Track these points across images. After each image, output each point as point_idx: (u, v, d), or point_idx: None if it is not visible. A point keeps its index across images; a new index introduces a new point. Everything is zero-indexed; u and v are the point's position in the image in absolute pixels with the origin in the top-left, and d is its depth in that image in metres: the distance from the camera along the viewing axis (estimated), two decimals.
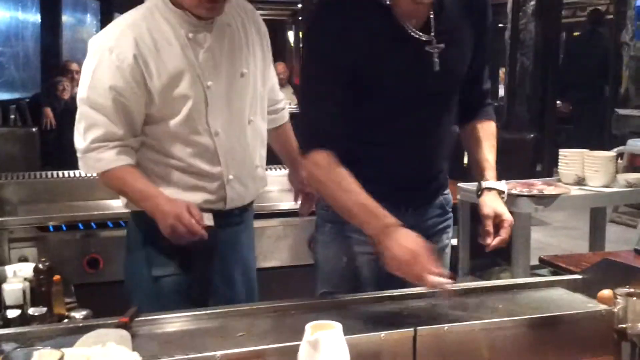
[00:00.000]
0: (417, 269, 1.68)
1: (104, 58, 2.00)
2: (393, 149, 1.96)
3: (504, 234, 1.90)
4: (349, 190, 1.82)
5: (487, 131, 2.11)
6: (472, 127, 2.11)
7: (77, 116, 2.05)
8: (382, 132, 1.94)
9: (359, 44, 1.85)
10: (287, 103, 2.53)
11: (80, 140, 2.04)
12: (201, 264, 2.11)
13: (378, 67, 1.88)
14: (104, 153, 2.02)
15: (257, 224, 3.03)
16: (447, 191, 2.16)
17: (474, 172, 2.10)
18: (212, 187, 2.13)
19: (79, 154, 2.06)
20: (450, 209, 2.16)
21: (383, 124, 1.93)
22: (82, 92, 2.06)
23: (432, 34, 1.88)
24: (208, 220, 2.07)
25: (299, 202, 2.45)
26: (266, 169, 2.33)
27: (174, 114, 2.05)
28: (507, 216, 1.94)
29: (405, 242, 1.71)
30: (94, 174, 2.11)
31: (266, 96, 2.28)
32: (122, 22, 2.07)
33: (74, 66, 7.16)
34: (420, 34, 1.88)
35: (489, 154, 2.07)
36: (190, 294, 2.10)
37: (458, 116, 2.09)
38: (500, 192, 2.01)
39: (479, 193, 2.00)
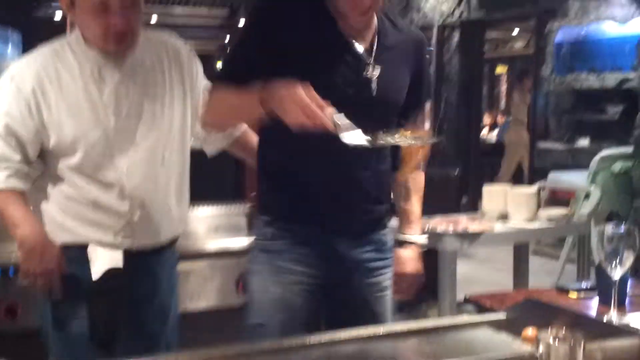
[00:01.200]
0: (302, 103, 1.65)
1: (4, 85, 2.08)
2: (319, 163, 1.95)
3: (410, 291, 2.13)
4: (228, 94, 1.87)
5: (417, 184, 2.17)
6: (403, 177, 2.14)
7: None
8: (304, 143, 1.82)
9: (297, 35, 1.87)
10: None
11: None
12: (104, 307, 2.11)
13: (309, 66, 1.85)
14: None
15: (183, 266, 3.01)
16: (385, 232, 2.14)
17: (399, 220, 2.13)
18: (117, 225, 2.12)
19: None
20: (388, 252, 2.15)
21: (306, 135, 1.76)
22: None
23: (373, 57, 1.92)
24: (115, 262, 2.07)
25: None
26: (191, 207, 2.33)
27: (74, 149, 2.07)
28: (418, 278, 2.14)
29: (280, 85, 1.70)
30: None
31: (190, 130, 2.25)
32: (32, 54, 2.13)
33: None
34: (362, 51, 1.91)
35: (416, 207, 2.13)
36: (94, 339, 2.09)
37: (391, 159, 2.10)
38: (420, 247, 2.08)
39: (400, 244, 2.05)
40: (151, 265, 2.21)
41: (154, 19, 9.96)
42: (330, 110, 1.68)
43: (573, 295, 2.51)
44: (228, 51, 2.25)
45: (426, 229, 3.29)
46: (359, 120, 1.75)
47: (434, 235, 3.24)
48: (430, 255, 3.35)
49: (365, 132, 1.74)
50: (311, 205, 1.95)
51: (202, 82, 2.29)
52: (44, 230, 2.09)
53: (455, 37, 9.87)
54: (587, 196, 5.08)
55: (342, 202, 2.00)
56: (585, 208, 4.38)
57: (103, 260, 2.10)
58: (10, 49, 12.38)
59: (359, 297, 2.06)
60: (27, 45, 12.37)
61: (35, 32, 12.23)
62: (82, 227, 2.10)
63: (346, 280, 2.04)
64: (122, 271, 2.13)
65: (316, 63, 1.87)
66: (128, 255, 2.13)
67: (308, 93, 1.67)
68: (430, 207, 4.20)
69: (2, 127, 2.05)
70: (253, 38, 1.92)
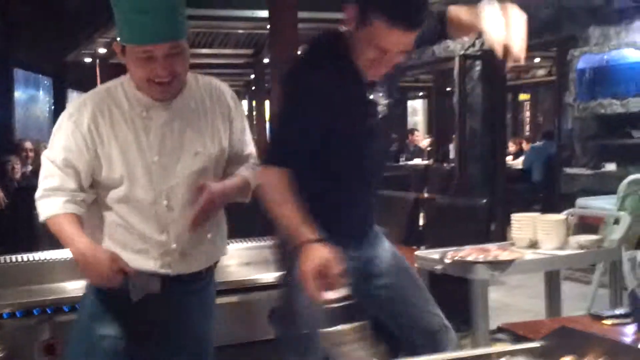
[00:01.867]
0: (313, 282, 1.99)
1: (63, 123, 2.26)
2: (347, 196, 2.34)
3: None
4: (287, 202, 2.12)
5: None
6: None
7: (41, 168, 2.28)
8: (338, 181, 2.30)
9: (332, 105, 2.16)
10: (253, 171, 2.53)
11: (39, 188, 2.25)
12: (141, 329, 2.23)
13: (346, 125, 2.22)
14: (52, 201, 2.20)
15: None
16: None
17: None
18: (156, 253, 2.26)
19: (36, 202, 2.25)
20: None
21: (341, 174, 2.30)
22: (47, 148, 2.29)
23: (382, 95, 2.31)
24: (153, 285, 2.22)
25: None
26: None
27: (121, 182, 2.23)
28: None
29: (312, 256, 2.02)
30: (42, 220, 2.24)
31: (224, 169, 2.39)
32: (89, 94, 2.31)
33: (28, 144, 7.08)
34: (380, 96, 2.30)
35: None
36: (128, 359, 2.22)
37: None
38: None
39: None
40: (186, 289, 2.33)
41: None
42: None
43: (607, 322, 2.51)
44: (276, 133, 2.41)
45: (456, 259, 3.31)
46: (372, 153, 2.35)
47: (464, 265, 3.25)
48: (462, 285, 3.36)
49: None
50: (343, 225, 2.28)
51: (241, 124, 2.44)
52: (94, 243, 2.20)
53: (477, 66, 9.92)
54: (616, 221, 5.05)
55: (367, 223, 2.47)
56: (616, 233, 4.35)
57: (143, 285, 2.22)
58: (41, 93, 12.63)
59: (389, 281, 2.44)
60: (57, 89, 12.62)
61: (65, 77, 12.48)
62: (125, 254, 2.22)
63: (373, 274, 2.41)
64: (159, 296, 2.26)
65: (353, 119, 2.25)
66: (166, 280, 2.27)
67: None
68: (459, 236, 4.23)
69: (61, 160, 2.22)
70: (302, 120, 2.19)
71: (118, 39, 2.23)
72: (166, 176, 2.25)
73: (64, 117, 2.29)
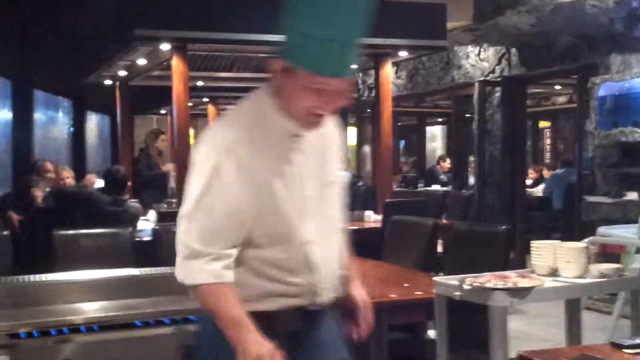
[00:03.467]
0: None
1: (220, 160, 1.99)
2: None
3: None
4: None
5: None
6: None
7: (188, 217, 2.01)
8: None
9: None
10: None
11: (184, 243, 2.01)
12: None
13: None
14: (209, 265, 1.98)
15: None
16: None
17: None
18: (302, 293, 2.12)
19: (181, 259, 2.01)
20: None
21: None
22: (197, 195, 2.01)
23: None
24: (293, 323, 2.14)
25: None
26: None
27: (272, 217, 2.05)
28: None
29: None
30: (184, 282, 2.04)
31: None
32: (232, 121, 2.11)
33: (49, 165, 7.13)
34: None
35: None
36: None
37: None
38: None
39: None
40: (324, 323, 2.24)
41: (200, 82, 10.20)
42: None
43: (629, 351, 2.47)
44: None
45: (475, 285, 3.28)
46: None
47: (483, 291, 3.22)
48: (480, 312, 3.32)
49: None
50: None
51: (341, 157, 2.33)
52: (259, 336, 1.98)
53: (497, 92, 9.91)
54: (638, 250, 5.00)
55: None
56: (638, 262, 4.30)
57: (286, 322, 2.12)
58: (61, 115, 12.77)
59: None
60: (76, 111, 12.74)
61: (84, 99, 12.61)
62: (272, 297, 2.09)
63: None
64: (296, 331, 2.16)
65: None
66: (305, 314, 2.17)
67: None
68: (478, 263, 4.19)
69: (223, 212, 1.99)
70: None
71: (284, 59, 2.01)
72: (308, 210, 2.11)
73: (209, 151, 2.02)
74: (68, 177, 7.17)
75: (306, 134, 2.10)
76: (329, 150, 2.20)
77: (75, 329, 2.94)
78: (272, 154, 2.05)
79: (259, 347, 1.95)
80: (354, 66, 2.08)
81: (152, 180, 8.66)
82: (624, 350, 2.49)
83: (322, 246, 2.14)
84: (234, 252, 2.02)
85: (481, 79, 9.94)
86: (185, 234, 2.01)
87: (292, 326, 2.12)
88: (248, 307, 2.02)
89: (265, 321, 2.04)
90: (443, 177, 12.65)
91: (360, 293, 2.33)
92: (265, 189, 2.03)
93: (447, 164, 12.93)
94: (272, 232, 2.06)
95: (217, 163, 1.99)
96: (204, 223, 2.00)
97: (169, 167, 8.84)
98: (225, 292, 2.00)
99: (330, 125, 2.22)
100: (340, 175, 2.25)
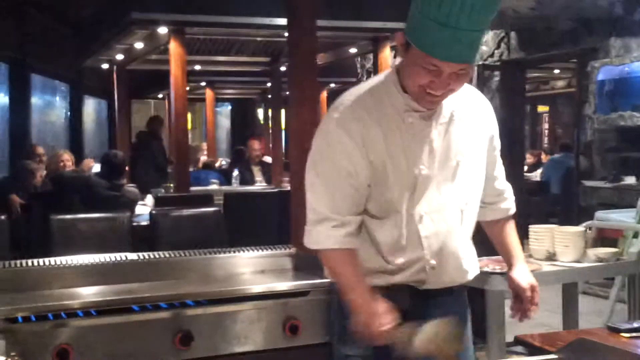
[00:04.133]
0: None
1: (329, 130, 2.08)
2: None
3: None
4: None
5: None
6: None
7: (311, 184, 2.11)
8: None
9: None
10: (511, 198, 2.46)
11: (312, 211, 2.10)
12: (388, 348, 2.04)
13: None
14: (334, 231, 2.06)
15: (229, 307, 3.04)
16: None
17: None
18: (410, 271, 2.13)
19: (308, 224, 2.11)
20: None
21: None
22: (315, 163, 2.11)
23: None
24: (402, 300, 2.10)
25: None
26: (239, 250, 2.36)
27: (387, 193, 2.08)
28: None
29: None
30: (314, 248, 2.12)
31: (483, 187, 2.26)
32: (350, 95, 2.13)
33: (40, 150, 7.10)
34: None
35: None
36: None
37: None
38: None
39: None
40: (434, 304, 2.18)
41: (197, 67, 10.17)
42: None
43: (625, 335, 2.47)
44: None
45: None
46: None
47: (481, 275, 3.22)
48: (478, 296, 3.32)
49: None
50: None
51: (498, 150, 2.33)
52: (372, 300, 2.04)
53: (496, 76, 9.88)
54: (635, 235, 5.00)
55: None
56: (635, 247, 4.30)
57: (395, 301, 2.09)
58: (58, 99, 12.72)
59: None
60: (73, 95, 12.70)
61: (81, 83, 12.57)
62: (382, 274, 2.13)
63: None
64: (407, 311, 2.11)
65: None
66: (414, 294, 2.16)
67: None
68: (476, 248, 4.17)
69: (340, 176, 2.06)
70: None
71: (405, 34, 2.03)
72: (428, 189, 2.10)
73: (328, 123, 2.10)
74: (68, 159, 7.16)
75: (431, 110, 2.09)
76: (465, 130, 2.16)
77: (72, 313, 2.94)
78: (388, 126, 2.07)
79: (373, 308, 1.99)
80: (475, 53, 2.01)
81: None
82: (621, 334, 2.49)
83: (438, 226, 2.12)
84: (358, 219, 2.09)
85: (480, 62, 9.92)
86: (313, 199, 2.10)
87: (402, 305, 2.08)
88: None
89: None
90: None
91: (522, 274, 2.34)
92: (378, 160, 2.06)
93: None
94: (382, 205, 2.09)
95: (332, 132, 2.07)
96: (326, 186, 2.08)
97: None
98: (346, 258, 2.07)
99: (483, 111, 2.22)
100: (475, 160, 2.19)
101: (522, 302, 2.33)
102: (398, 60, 2.13)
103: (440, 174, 2.12)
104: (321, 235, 2.08)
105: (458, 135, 2.14)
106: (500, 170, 2.36)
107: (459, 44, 1.93)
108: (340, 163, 2.06)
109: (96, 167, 7.48)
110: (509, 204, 2.43)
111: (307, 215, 2.12)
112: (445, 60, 1.94)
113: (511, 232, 2.43)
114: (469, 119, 2.17)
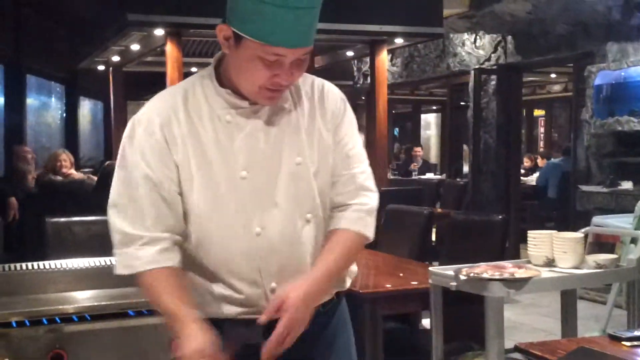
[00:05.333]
0: None
1: (131, 133, 1.80)
2: None
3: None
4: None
5: None
6: None
7: (114, 202, 1.81)
8: None
9: None
10: (370, 205, 1.95)
11: (116, 229, 1.80)
12: None
13: None
14: (142, 250, 1.76)
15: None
16: None
17: None
18: (250, 297, 1.82)
19: (115, 248, 1.81)
20: None
21: None
22: (118, 175, 1.83)
23: None
24: (253, 336, 1.77)
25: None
26: None
27: (200, 204, 1.79)
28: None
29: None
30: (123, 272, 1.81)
31: (330, 190, 1.91)
32: (160, 94, 1.87)
33: (26, 149, 7.08)
34: None
35: None
36: None
37: None
38: None
39: None
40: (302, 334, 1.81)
41: (194, 69, 10.13)
42: None
43: (627, 343, 2.45)
44: None
45: (472, 276, 3.25)
46: None
47: (480, 282, 3.19)
48: (476, 303, 3.30)
49: None
50: None
51: (350, 136, 1.94)
52: (208, 341, 1.71)
53: (493, 80, 9.88)
54: (633, 241, 4.99)
55: None
56: (633, 253, 4.28)
57: (238, 336, 1.81)
58: (53, 100, 12.68)
59: None
60: (69, 96, 12.66)
61: (77, 84, 12.53)
62: (213, 302, 1.83)
63: None
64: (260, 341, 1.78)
65: None
66: (267, 326, 1.76)
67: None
68: (473, 253, 4.17)
69: (142, 182, 1.77)
70: None
71: (230, 24, 1.74)
72: (257, 196, 1.80)
73: (130, 127, 1.82)
74: (66, 159, 7.10)
75: (259, 108, 1.82)
76: (302, 126, 1.86)
77: (67, 318, 2.91)
78: (201, 126, 1.79)
79: (194, 342, 1.69)
80: (314, 34, 1.77)
81: None
82: (622, 342, 2.47)
83: (277, 241, 1.81)
84: (171, 237, 1.78)
85: (477, 66, 9.90)
86: (115, 218, 1.80)
87: (248, 339, 1.79)
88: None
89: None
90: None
91: (284, 297, 1.76)
92: (187, 163, 1.78)
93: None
94: (203, 218, 1.79)
95: (131, 132, 1.80)
96: (128, 199, 1.78)
97: None
98: (163, 279, 1.76)
99: (318, 97, 1.91)
100: (319, 159, 1.87)
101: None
102: (216, 57, 1.87)
103: (273, 179, 1.81)
104: (129, 257, 1.77)
105: (293, 132, 1.84)
106: (353, 169, 1.93)
107: (300, 26, 1.69)
108: (142, 170, 1.77)
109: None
110: (346, 221, 1.90)
111: (112, 240, 1.81)
112: (290, 47, 1.69)
113: (326, 253, 1.87)
114: (305, 111, 1.88)
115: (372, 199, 1.95)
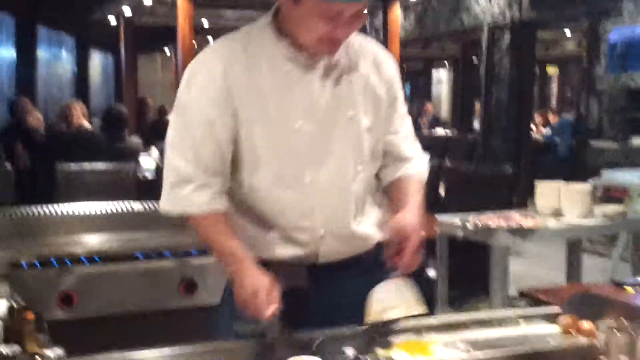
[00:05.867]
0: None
1: (194, 82, 1.82)
2: None
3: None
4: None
5: None
6: None
7: (171, 141, 1.84)
8: None
9: None
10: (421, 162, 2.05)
11: (167, 172, 1.84)
12: (285, 325, 1.80)
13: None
14: (197, 193, 1.80)
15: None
16: None
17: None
18: (301, 241, 1.88)
19: (167, 187, 1.84)
20: None
21: None
22: (176, 113, 1.86)
23: None
24: (299, 278, 1.86)
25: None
26: None
27: (258, 151, 1.82)
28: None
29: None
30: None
31: (381, 146, 1.97)
32: (222, 39, 1.88)
33: (24, 100, 7.09)
34: None
35: None
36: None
37: None
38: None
39: None
40: (335, 278, 1.92)
41: (205, 23, 10.07)
42: None
43: (630, 289, 2.47)
44: None
45: (479, 224, 3.27)
46: None
47: (486, 230, 3.21)
48: (482, 251, 3.33)
49: None
50: None
51: (402, 107, 2.02)
52: (256, 271, 1.78)
53: (506, 37, 9.78)
54: None
55: None
56: None
57: (284, 279, 1.82)
58: (64, 53, 12.66)
59: None
60: (80, 49, 12.63)
61: (89, 37, 12.49)
62: (263, 246, 1.87)
63: None
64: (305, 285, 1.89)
65: None
66: (311, 269, 1.88)
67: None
68: (481, 205, 4.18)
69: (205, 135, 1.80)
70: None
71: None
72: (311, 146, 1.83)
73: (192, 65, 1.85)
74: (77, 109, 7.11)
75: (315, 61, 1.84)
76: (356, 81, 1.90)
77: (76, 260, 2.95)
78: (260, 75, 1.82)
79: (256, 281, 1.75)
80: None
81: None
82: (625, 289, 2.49)
83: (328, 190, 1.87)
84: (221, 181, 1.83)
85: (490, 22, 9.80)
86: (172, 156, 1.84)
87: (292, 283, 1.84)
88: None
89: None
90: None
91: (404, 222, 1.85)
92: (245, 109, 1.81)
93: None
94: (258, 166, 1.84)
95: (190, 79, 1.83)
96: (186, 141, 1.82)
97: None
98: (216, 223, 1.83)
99: (375, 61, 1.96)
100: (374, 119, 1.91)
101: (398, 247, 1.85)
102: (274, 7, 1.88)
103: (327, 131, 1.85)
104: (183, 199, 1.81)
105: (348, 87, 1.89)
106: (404, 127, 2.02)
107: None
108: (201, 115, 1.80)
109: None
110: (414, 168, 2.02)
111: (164, 176, 1.85)
112: (348, 0, 1.72)
113: (412, 189, 1.98)
114: (361, 68, 1.92)
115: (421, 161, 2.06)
